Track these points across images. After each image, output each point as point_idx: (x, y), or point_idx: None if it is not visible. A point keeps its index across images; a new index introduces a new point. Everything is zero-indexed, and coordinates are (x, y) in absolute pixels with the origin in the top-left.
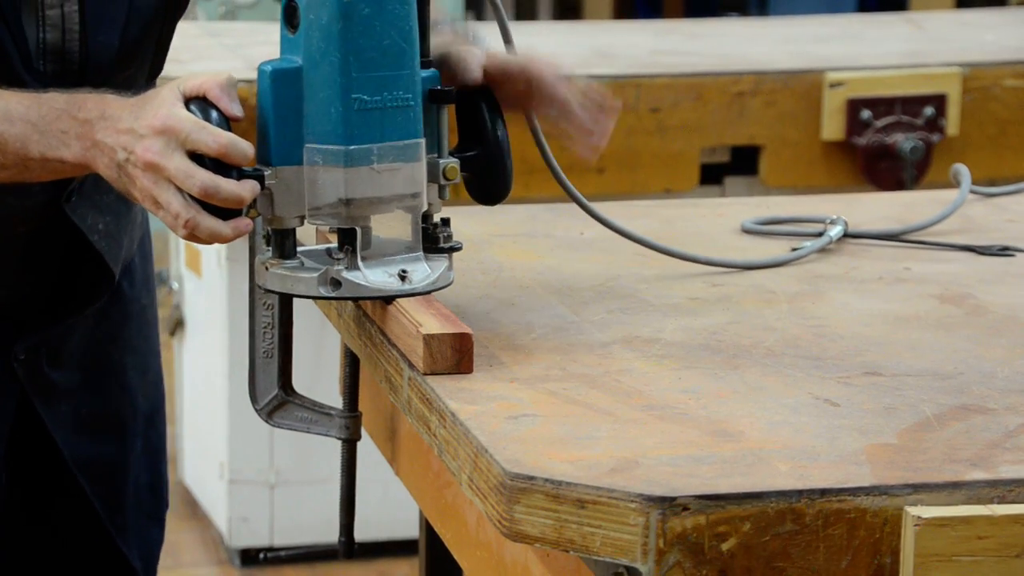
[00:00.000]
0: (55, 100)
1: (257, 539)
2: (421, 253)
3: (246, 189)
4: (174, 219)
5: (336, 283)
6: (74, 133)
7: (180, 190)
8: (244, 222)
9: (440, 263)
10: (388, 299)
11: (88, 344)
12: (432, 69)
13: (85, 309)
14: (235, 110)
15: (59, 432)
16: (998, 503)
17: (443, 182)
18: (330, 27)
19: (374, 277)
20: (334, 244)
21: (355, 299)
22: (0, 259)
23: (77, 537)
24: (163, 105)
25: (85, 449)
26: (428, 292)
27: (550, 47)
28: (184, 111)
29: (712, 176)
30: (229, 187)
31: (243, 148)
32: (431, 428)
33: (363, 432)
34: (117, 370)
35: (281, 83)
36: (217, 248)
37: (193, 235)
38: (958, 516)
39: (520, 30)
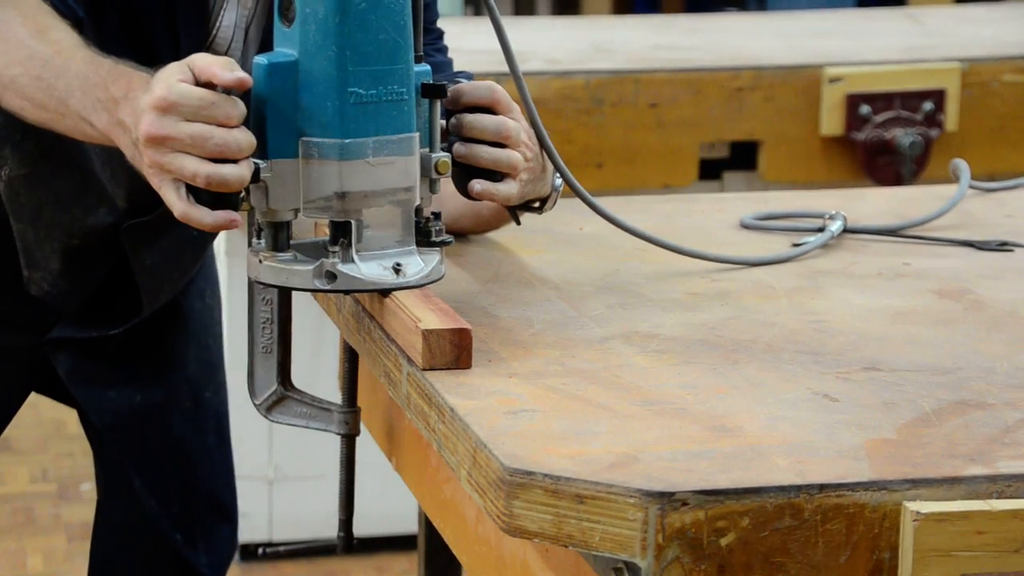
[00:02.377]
0: (103, 67)
1: (256, 534)
2: (414, 247)
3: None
4: (192, 178)
5: (331, 276)
6: (104, 106)
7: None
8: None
9: (432, 257)
10: (383, 292)
11: (148, 335)
12: (425, 64)
13: (115, 327)
14: (241, 74)
15: (102, 420)
16: (997, 498)
17: (435, 176)
18: (326, 21)
19: (369, 270)
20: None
21: (350, 292)
22: (47, 255)
23: (126, 528)
24: (161, 80)
25: (138, 440)
26: (422, 285)
27: (549, 42)
28: (184, 85)
29: (711, 171)
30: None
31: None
32: (430, 423)
33: (362, 427)
34: (180, 362)
35: (277, 76)
36: (216, 243)
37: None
38: (957, 511)
39: (519, 25)
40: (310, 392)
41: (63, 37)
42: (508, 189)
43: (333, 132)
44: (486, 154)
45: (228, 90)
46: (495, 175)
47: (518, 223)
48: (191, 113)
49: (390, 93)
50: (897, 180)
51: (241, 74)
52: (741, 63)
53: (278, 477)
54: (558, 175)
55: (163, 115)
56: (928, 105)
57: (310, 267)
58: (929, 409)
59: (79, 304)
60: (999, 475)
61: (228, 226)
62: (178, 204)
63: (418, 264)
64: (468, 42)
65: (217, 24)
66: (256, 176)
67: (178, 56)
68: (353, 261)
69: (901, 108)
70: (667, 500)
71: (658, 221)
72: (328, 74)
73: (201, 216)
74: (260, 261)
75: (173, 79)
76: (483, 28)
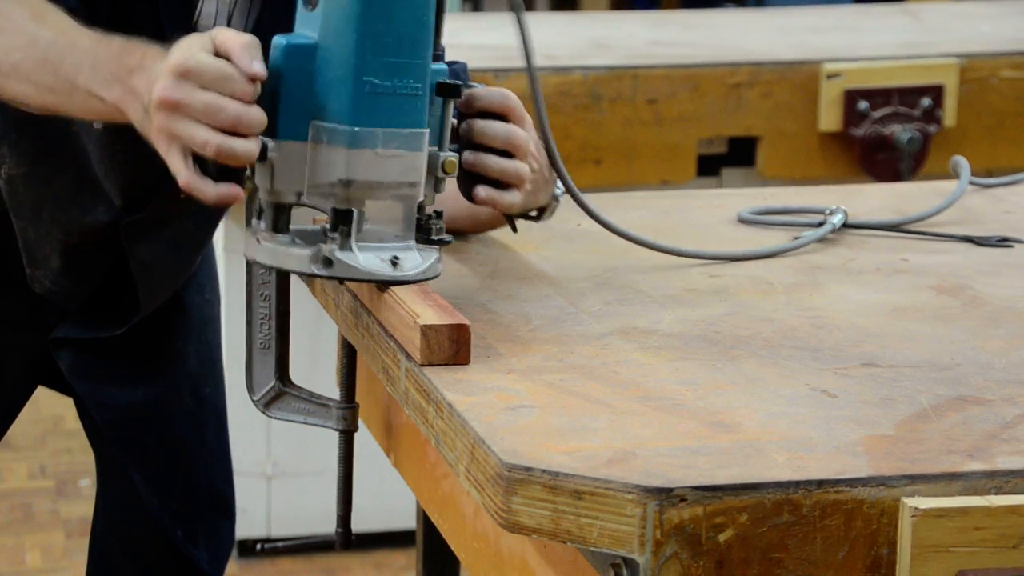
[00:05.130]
0: (113, 42)
1: (254, 530)
2: (413, 243)
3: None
4: (202, 148)
5: (328, 262)
6: (117, 77)
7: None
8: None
9: (431, 254)
10: (378, 284)
11: (150, 331)
12: (442, 63)
13: (116, 327)
14: (257, 68)
15: (103, 416)
16: (995, 494)
17: (440, 175)
18: (350, 8)
19: (366, 260)
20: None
21: (345, 280)
22: (47, 254)
23: (126, 524)
24: (181, 47)
25: (139, 437)
26: (418, 281)
27: (547, 38)
28: (204, 55)
29: (709, 167)
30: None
31: (256, 115)
32: (428, 419)
33: (360, 423)
34: (181, 358)
35: (294, 57)
36: (215, 239)
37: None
38: (955, 507)
39: None
40: (308, 388)
41: (61, 20)
42: (512, 199)
43: (344, 119)
44: (494, 164)
45: None
46: (500, 183)
47: (515, 230)
48: (207, 83)
49: (405, 87)
50: (895, 176)
51: (258, 67)
52: (739, 59)
53: (276, 473)
54: (559, 186)
55: (180, 80)
56: (926, 101)
57: (307, 251)
58: (927, 405)
59: (81, 301)
60: (997, 471)
61: (231, 200)
62: (183, 172)
63: (416, 260)
64: (465, 38)
65: (198, 12)
66: (264, 154)
67: None
68: (351, 250)
69: (899, 104)
70: (665, 496)
71: (656, 217)
72: (345, 61)
73: (205, 187)
74: (258, 241)
75: (194, 47)
76: (481, 24)
